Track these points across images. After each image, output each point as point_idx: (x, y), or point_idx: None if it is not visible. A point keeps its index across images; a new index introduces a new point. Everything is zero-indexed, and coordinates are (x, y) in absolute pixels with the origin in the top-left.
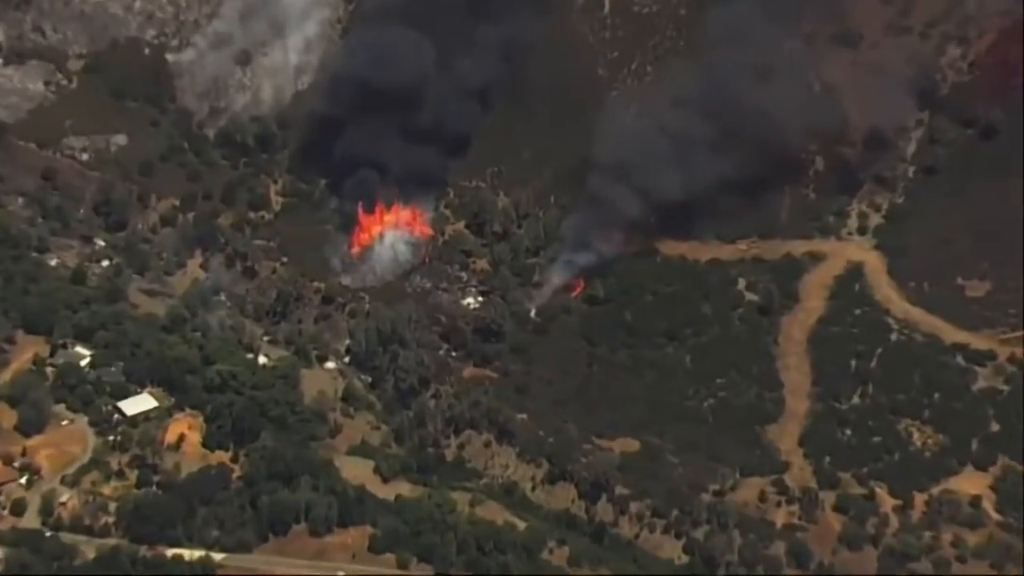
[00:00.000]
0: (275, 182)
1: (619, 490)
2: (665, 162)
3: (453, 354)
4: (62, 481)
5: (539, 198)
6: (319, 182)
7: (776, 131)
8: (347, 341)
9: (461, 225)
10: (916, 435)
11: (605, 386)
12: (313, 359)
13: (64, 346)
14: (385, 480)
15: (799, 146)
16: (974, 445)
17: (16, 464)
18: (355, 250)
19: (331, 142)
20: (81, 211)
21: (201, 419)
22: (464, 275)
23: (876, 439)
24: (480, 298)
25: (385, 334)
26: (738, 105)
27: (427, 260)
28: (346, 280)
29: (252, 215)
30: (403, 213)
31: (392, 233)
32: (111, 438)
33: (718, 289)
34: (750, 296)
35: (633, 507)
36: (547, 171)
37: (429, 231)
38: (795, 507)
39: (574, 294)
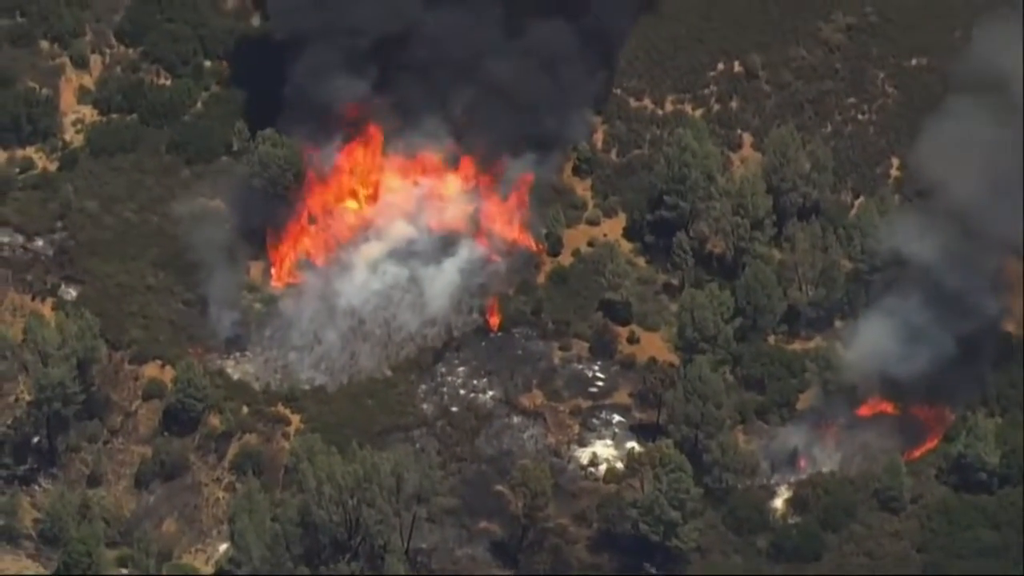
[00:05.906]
0: (76, 64)
1: None
2: None
3: None
4: None
5: (845, 166)
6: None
7: None
8: (221, 548)
9: (616, 226)
10: None
11: None
12: None
13: None
14: None
15: None
16: None
17: None
18: (281, 277)
19: None
20: None
21: None
22: (599, 374)
23: None
24: (633, 444)
25: (331, 536)
26: None
27: (491, 323)
28: (240, 365)
29: None
30: (453, 174)
31: (403, 225)
32: None
33: None
34: None
35: None
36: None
37: (525, 236)
38: None
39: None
